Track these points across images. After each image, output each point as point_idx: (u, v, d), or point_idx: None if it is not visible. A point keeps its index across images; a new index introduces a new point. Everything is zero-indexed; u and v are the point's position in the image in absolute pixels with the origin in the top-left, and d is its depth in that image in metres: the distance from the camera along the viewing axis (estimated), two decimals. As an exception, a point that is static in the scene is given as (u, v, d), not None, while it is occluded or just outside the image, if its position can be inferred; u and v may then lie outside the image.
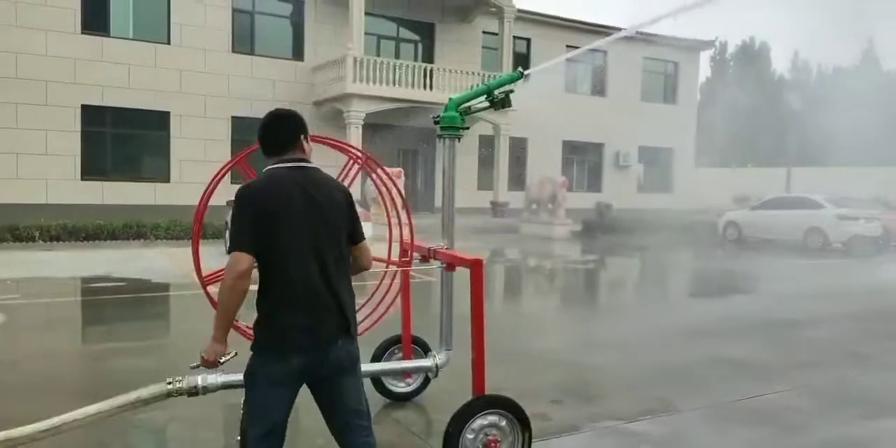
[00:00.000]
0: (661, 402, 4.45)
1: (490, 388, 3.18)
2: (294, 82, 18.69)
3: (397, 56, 20.27)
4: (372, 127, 18.24)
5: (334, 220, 2.31)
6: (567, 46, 23.47)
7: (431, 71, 18.78)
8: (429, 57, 21.08)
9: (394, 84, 18.08)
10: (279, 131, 2.38)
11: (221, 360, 2.30)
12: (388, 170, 4.05)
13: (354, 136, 17.45)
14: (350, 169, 3.68)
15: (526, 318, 8.06)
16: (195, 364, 2.37)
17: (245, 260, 2.13)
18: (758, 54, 44.69)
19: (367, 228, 3.11)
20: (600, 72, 24.70)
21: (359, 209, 2.50)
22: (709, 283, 11.52)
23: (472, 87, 19.72)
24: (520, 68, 3.84)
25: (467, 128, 3.70)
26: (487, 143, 20.75)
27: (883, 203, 20.01)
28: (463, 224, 17.45)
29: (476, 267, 3.15)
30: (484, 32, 21.95)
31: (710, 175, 29.17)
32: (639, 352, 5.98)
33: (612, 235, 18.04)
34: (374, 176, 4.13)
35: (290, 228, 2.20)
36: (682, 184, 26.47)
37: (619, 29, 23.54)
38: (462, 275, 3.31)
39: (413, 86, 18.39)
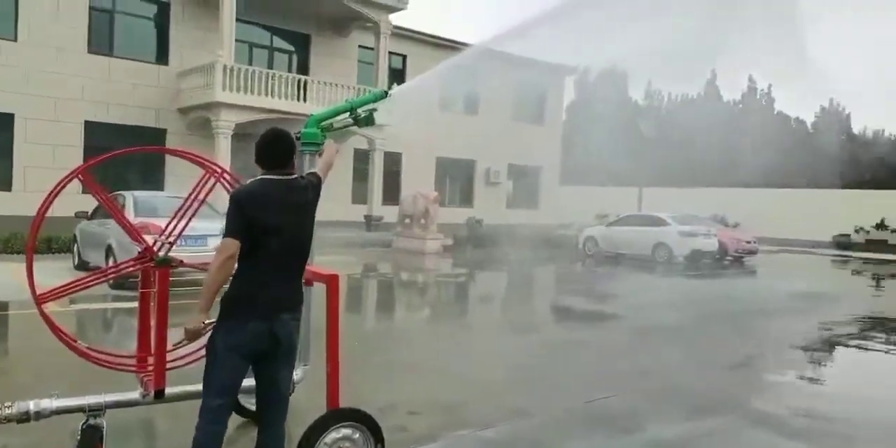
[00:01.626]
0: (518, 408, 4.71)
1: (352, 401, 3.24)
2: (157, 87, 17.76)
3: (271, 66, 19.86)
4: (242, 137, 17.70)
5: (304, 219, 2.90)
6: (442, 65, 24.12)
7: (306, 83, 18.57)
8: (304, 68, 20.84)
9: (266, 94, 17.68)
10: (280, 150, 2.87)
11: (204, 325, 2.68)
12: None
13: (223, 147, 16.86)
14: (205, 183, 3.61)
15: (394, 331, 8.16)
16: (179, 341, 2.84)
17: (233, 245, 2.64)
18: (617, 81, 48.12)
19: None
20: (472, 91, 25.54)
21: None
22: (568, 294, 12.22)
23: (346, 100, 19.78)
24: (385, 88, 3.96)
25: (321, 143, 3.75)
26: (362, 157, 20.78)
27: (719, 221, 22.18)
28: (337, 238, 17.40)
29: (332, 282, 3.21)
30: (360, 47, 22.04)
31: (574, 193, 30.94)
32: (501, 361, 6.26)
33: (482, 249, 18.65)
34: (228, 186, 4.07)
35: (271, 224, 2.72)
36: (548, 200, 27.87)
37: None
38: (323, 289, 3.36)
39: (287, 97, 18.08)
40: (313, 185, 3.01)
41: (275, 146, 2.86)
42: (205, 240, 8.17)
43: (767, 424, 4.54)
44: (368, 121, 3.67)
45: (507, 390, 5.23)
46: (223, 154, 16.70)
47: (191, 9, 18.19)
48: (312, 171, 3.18)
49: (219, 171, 3.64)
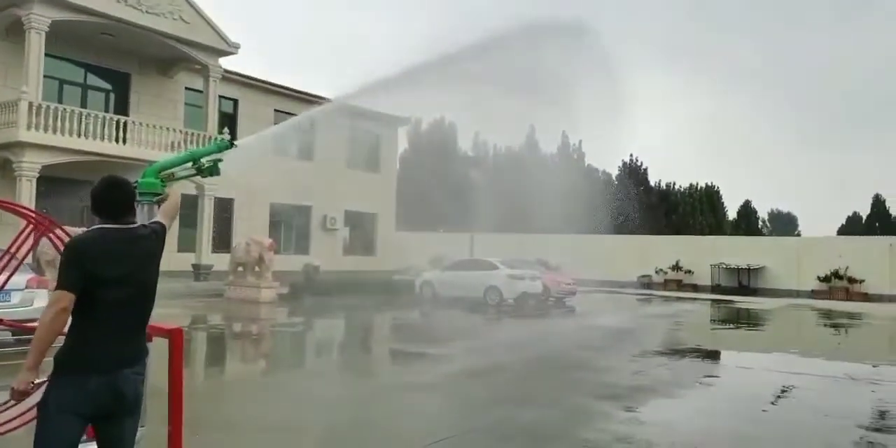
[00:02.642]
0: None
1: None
2: (-54, 124, 15.73)
3: (84, 105, 18.42)
4: (49, 180, 16.10)
5: (147, 269, 2.80)
6: (275, 111, 23.90)
7: (125, 124, 17.46)
8: (122, 108, 19.59)
9: (78, 135, 16.35)
10: (119, 199, 2.76)
11: (33, 384, 2.48)
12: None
13: (26, 190, 15.24)
14: (28, 233, 3.33)
15: (227, 385, 7.76)
16: (5, 401, 2.62)
17: (66, 297, 2.49)
18: (447, 132, 50.60)
19: (43, 297, 3.01)
20: (308, 137, 25.51)
21: (31, 276, 2.63)
22: (405, 339, 12.39)
23: (172, 143, 18.88)
24: (225, 136, 3.94)
25: (162, 197, 3.65)
26: (190, 203, 19.71)
27: (542, 264, 23.80)
28: (161, 289, 16.13)
29: (176, 336, 3.10)
30: (187, 89, 21.23)
31: (410, 238, 31.62)
32: (342, 409, 6.20)
33: (319, 297, 18.32)
34: (52, 237, 3.78)
35: (111, 276, 2.60)
36: (384, 246, 28.19)
37: (321, 97, 24.78)
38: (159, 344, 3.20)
39: (103, 138, 16.84)
40: (157, 234, 2.91)
41: (113, 194, 2.75)
42: (8, 295, 7.29)
43: (594, 451, 4.96)
44: (213, 171, 3.62)
45: (348, 438, 5.21)
46: (26, 199, 15.04)
47: (-9, 40, 16.52)
48: (156, 219, 3.06)
49: (42, 221, 3.38)
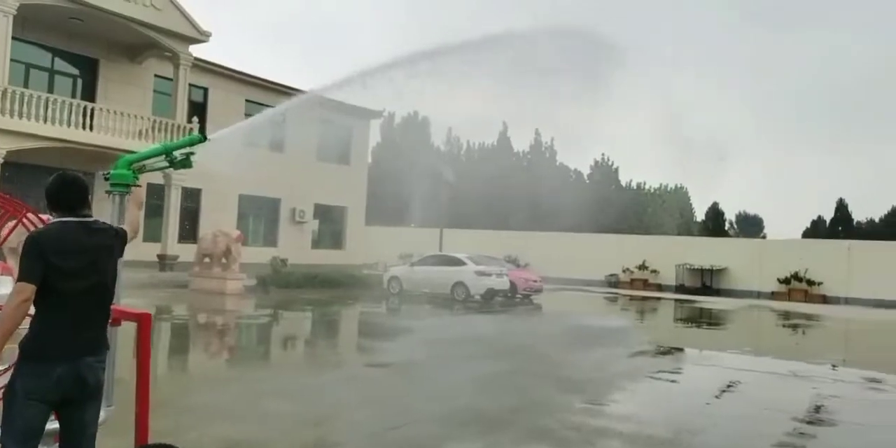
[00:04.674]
0: (318, 441, 4.88)
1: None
2: None
3: (51, 90, 18.13)
4: (14, 166, 15.85)
5: (105, 261, 2.87)
6: (246, 100, 23.74)
7: (93, 110, 17.24)
8: (90, 95, 19.28)
9: (45, 121, 16.12)
10: (75, 194, 2.86)
11: None
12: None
13: (-10, 176, 14.99)
14: (5, 219, 3.43)
15: (192, 373, 7.85)
16: None
17: (28, 289, 2.59)
18: (420, 127, 50.68)
19: (7, 283, 3.14)
20: (279, 129, 25.37)
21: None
22: (368, 331, 12.57)
23: (140, 131, 18.67)
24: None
25: (139, 185, 3.76)
26: (157, 193, 19.52)
27: (511, 261, 24.13)
28: (126, 279, 15.99)
29: (144, 320, 3.24)
30: (157, 76, 20.96)
31: (379, 233, 31.73)
32: (304, 398, 6.37)
33: (286, 290, 18.35)
34: (26, 223, 3.87)
35: (71, 267, 2.70)
36: (353, 240, 28.22)
37: (293, 88, 24.70)
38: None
39: (69, 124, 16.61)
40: (118, 234, 3.02)
41: (67, 191, 2.85)
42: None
43: (548, 438, 5.22)
44: (185, 164, 3.72)
45: (310, 425, 5.38)
46: (-12, 184, 14.79)
47: (-45, 21, 16.15)
48: (122, 226, 3.18)
49: (21, 208, 3.47)
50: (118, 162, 3.65)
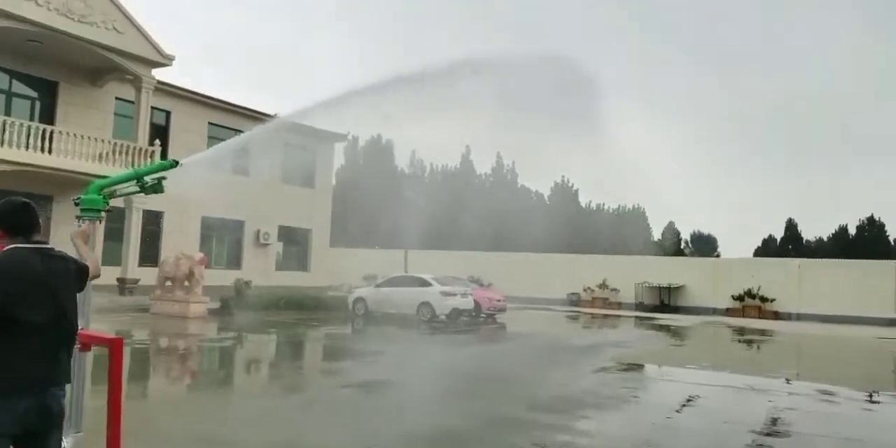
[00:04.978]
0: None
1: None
2: None
3: (8, 113, 17.78)
4: (-34, 190, 15.46)
5: (64, 289, 2.77)
6: (210, 123, 23.63)
7: (52, 133, 16.97)
8: (49, 117, 18.97)
9: (1, 144, 15.79)
10: (24, 219, 2.77)
11: None
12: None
13: (-59, 200, 14.57)
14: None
15: (156, 399, 7.74)
16: None
17: None
18: (384, 150, 50.93)
19: None
20: (243, 152, 25.25)
21: None
22: (333, 354, 12.52)
23: (100, 154, 18.39)
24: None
25: (110, 210, 3.81)
26: (117, 216, 19.17)
27: (475, 281, 24.30)
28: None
29: (116, 345, 3.27)
30: (118, 99, 20.75)
31: (344, 254, 31.59)
32: (271, 421, 6.34)
33: (250, 313, 18.13)
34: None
35: (31, 295, 2.60)
36: (318, 262, 28.06)
37: (256, 111, 24.70)
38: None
39: (27, 147, 16.31)
40: (78, 266, 2.93)
41: (15, 216, 2.75)
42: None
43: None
44: (157, 189, 3.79)
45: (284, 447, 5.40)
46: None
47: None
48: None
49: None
50: (89, 187, 3.70)
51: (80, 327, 3.55)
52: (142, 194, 3.84)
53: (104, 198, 3.69)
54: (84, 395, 3.66)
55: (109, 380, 3.22)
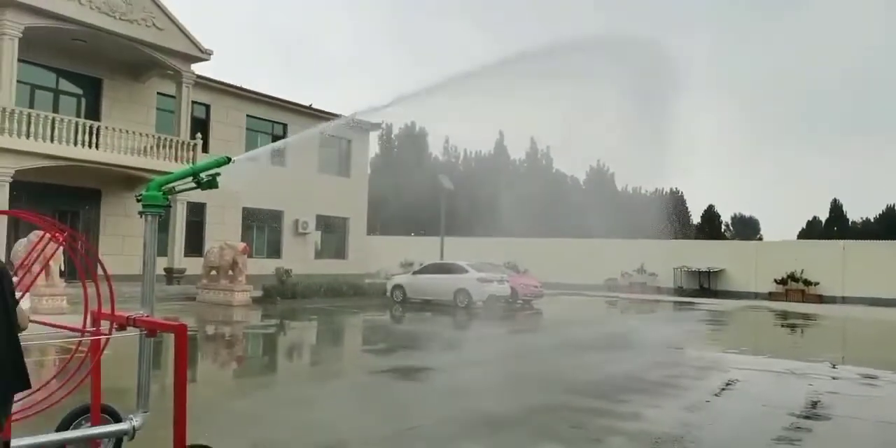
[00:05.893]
0: (339, 443, 5.15)
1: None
2: (-85, 128, 15.68)
3: (56, 109, 18.47)
4: (22, 185, 16.15)
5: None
6: (247, 115, 24.11)
7: (98, 128, 17.57)
8: (94, 113, 19.62)
9: (51, 140, 16.43)
10: None
11: None
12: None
13: (0, 195, 15.29)
14: (47, 241, 3.71)
15: (214, 383, 8.10)
16: None
17: None
18: (418, 137, 51.11)
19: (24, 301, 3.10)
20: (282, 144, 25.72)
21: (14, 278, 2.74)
22: (374, 339, 12.82)
23: (144, 148, 18.95)
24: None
25: (170, 206, 4.05)
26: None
27: (511, 267, 24.39)
28: (134, 292, 16.27)
29: (180, 332, 3.51)
30: (159, 94, 21.32)
31: (381, 242, 31.97)
32: (317, 402, 6.63)
33: (291, 300, 18.61)
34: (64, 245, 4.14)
35: None
36: (355, 250, 28.51)
37: (292, 103, 25.10)
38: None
39: (75, 143, 16.93)
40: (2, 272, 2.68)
41: None
42: None
43: (556, 437, 5.48)
44: (212, 185, 4.00)
45: (326, 427, 5.65)
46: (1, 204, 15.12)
47: (-39, 44, 16.49)
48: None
49: (62, 231, 3.75)
50: (149, 184, 3.93)
51: (143, 315, 3.83)
52: (198, 190, 4.05)
53: (164, 194, 3.92)
54: (149, 377, 3.92)
55: (177, 361, 3.46)
